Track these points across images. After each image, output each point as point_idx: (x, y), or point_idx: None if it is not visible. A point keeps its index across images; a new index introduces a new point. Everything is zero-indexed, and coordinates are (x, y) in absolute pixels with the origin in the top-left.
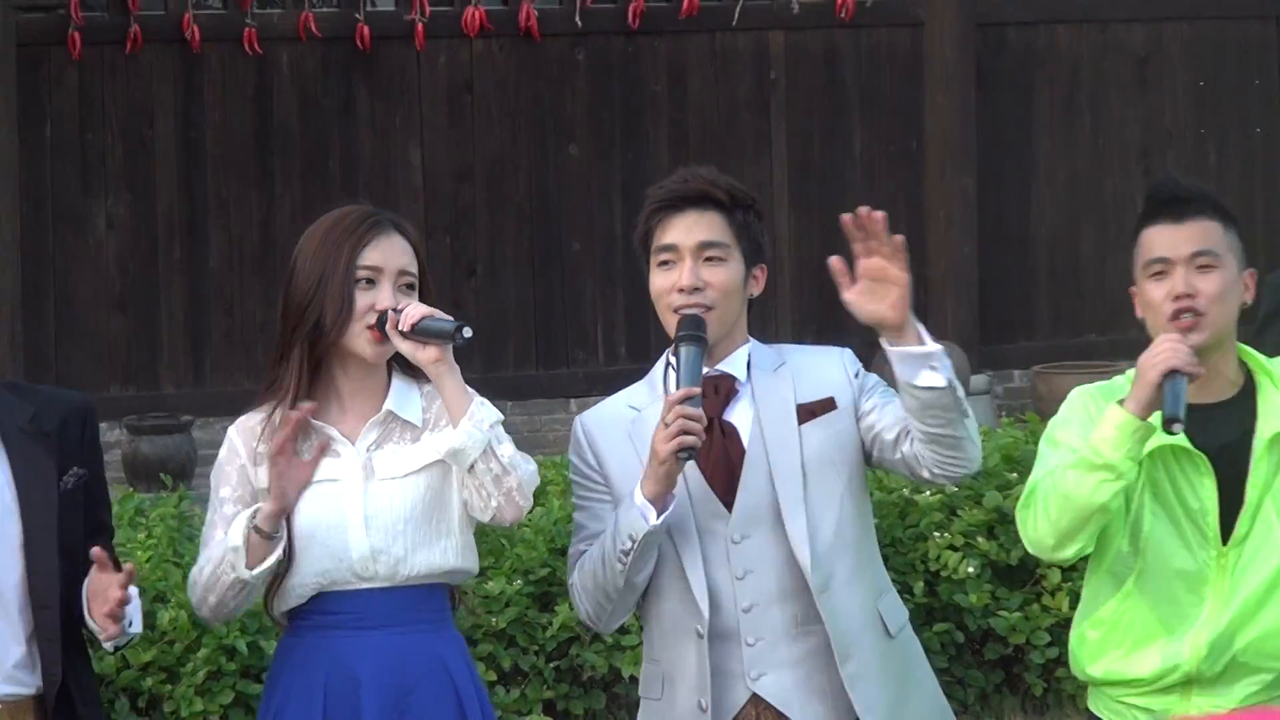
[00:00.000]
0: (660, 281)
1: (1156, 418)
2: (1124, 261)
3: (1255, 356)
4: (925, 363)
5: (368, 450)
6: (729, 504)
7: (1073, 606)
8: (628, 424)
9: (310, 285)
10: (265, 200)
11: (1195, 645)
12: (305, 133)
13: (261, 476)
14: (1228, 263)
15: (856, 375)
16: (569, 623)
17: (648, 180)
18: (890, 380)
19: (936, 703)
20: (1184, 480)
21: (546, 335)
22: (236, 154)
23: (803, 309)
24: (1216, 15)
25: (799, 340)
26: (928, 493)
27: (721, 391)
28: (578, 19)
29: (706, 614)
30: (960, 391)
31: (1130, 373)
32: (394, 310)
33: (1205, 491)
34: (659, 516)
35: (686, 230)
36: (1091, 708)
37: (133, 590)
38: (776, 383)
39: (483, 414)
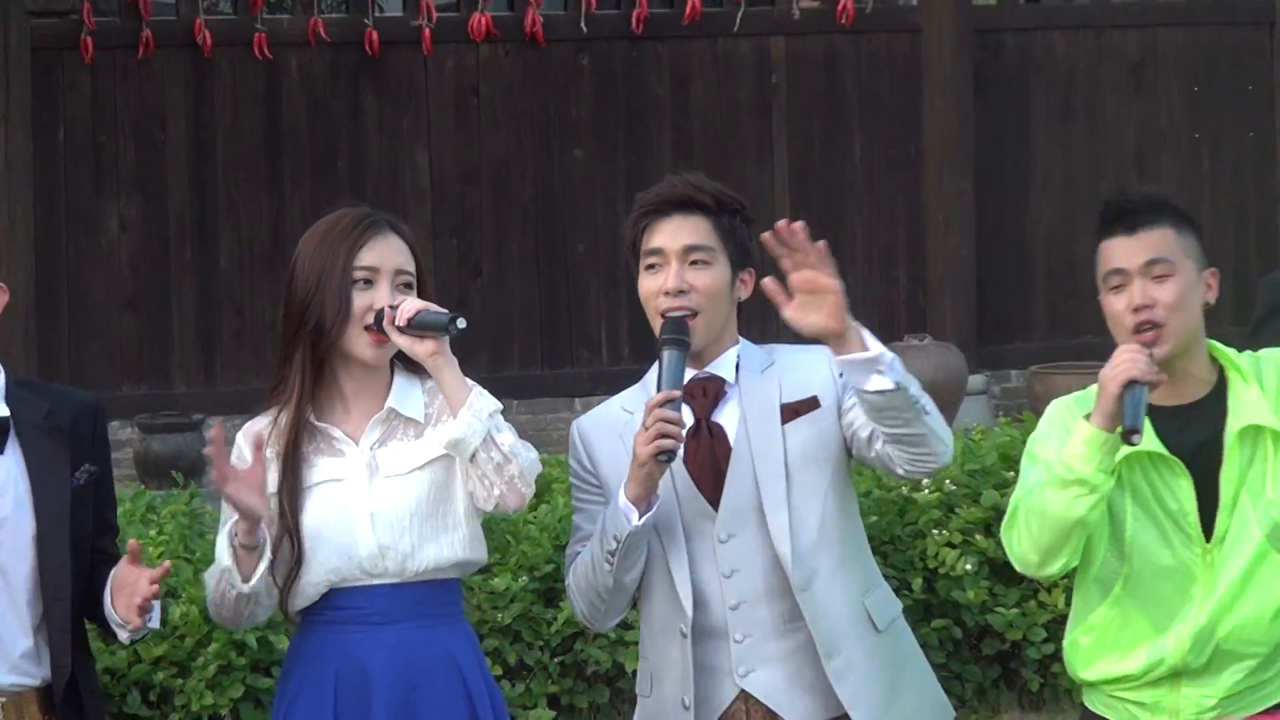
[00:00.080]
0: (648, 284)
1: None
2: None
3: (1225, 353)
4: (872, 367)
5: (371, 448)
6: (715, 503)
7: (1069, 603)
8: (621, 427)
9: (309, 287)
10: (275, 202)
11: (1179, 639)
12: (314, 136)
13: (269, 480)
14: (1183, 268)
15: (841, 374)
16: (573, 618)
17: (651, 183)
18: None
19: (932, 696)
20: (1162, 484)
21: (551, 335)
22: (247, 156)
23: None
24: (1210, 21)
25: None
26: (926, 491)
27: (710, 393)
28: (582, 24)
29: (690, 613)
30: (914, 389)
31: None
32: (390, 307)
33: (1183, 493)
34: (640, 518)
35: (672, 234)
36: (1086, 703)
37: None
38: (763, 383)
39: (481, 404)
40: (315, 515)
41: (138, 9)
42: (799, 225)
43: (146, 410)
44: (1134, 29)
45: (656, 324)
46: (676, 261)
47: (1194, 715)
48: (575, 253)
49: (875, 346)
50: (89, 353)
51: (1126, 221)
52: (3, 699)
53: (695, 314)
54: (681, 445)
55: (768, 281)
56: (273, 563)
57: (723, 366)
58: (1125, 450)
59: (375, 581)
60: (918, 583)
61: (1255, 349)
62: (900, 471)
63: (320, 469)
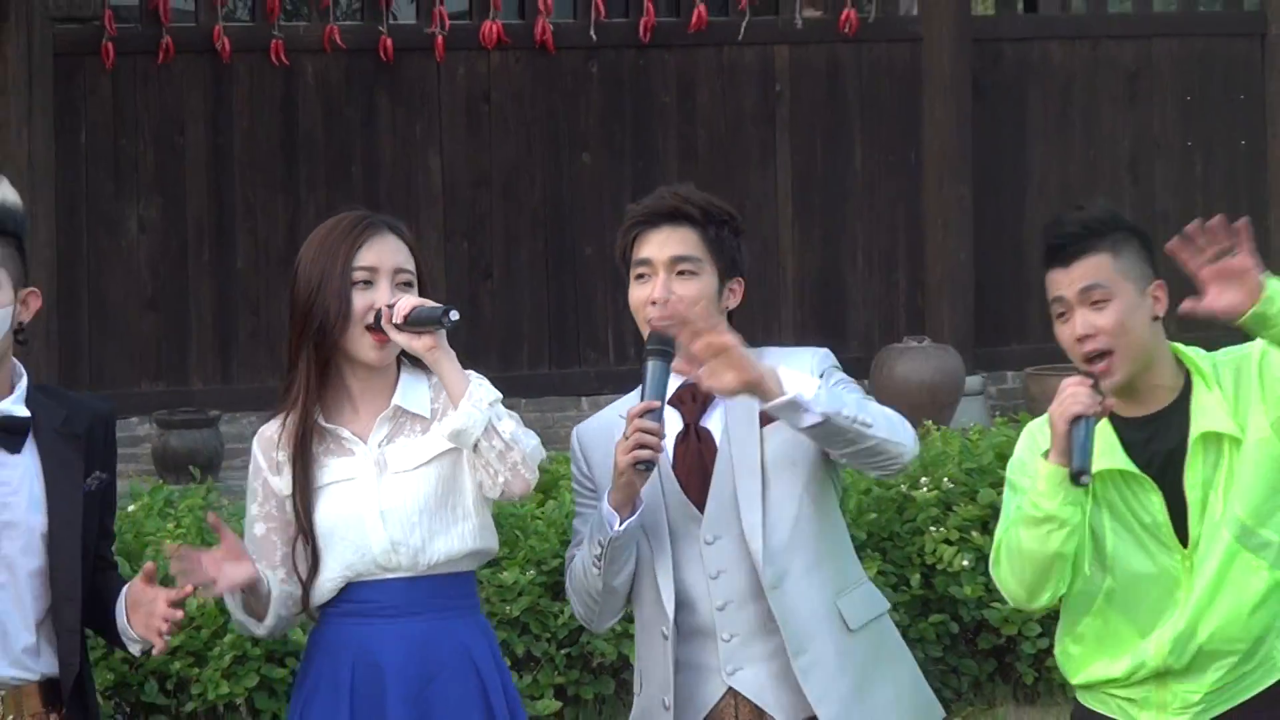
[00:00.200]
0: (636, 294)
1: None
2: None
3: (1190, 358)
4: (795, 409)
5: (379, 446)
6: (702, 506)
7: (1061, 599)
8: (616, 433)
9: (311, 289)
10: (291, 205)
11: (1159, 644)
12: (329, 140)
13: (281, 484)
14: (1122, 290)
15: (821, 376)
16: None
17: (657, 188)
18: (887, 383)
19: (912, 697)
20: (1134, 499)
21: (559, 335)
22: (263, 160)
23: (804, 312)
24: (1203, 32)
25: (802, 345)
26: (925, 489)
27: (699, 398)
28: (591, 33)
29: (670, 615)
30: (847, 411)
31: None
32: (387, 306)
33: (1155, 507)
34: (622, 524)
35: (659, 245)
36: (1078, 698)
37: None
38: None
39: (481, 393)
40: (328, 514)
41: (158, 16)
42: (674, 300)
43: (165, 407)
44: (1129, 39)
45: (646, 332)
46: (664, 272)
47: (1180, 709)
48: (583, 255)
49: (793, 387)
50: (109, 350)
51: (1060, 254)
52: (3, 691)
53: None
54: (660, 455)
55: (678, 364)
56: (293, 564)
57: None
58: (1099, 465)
59: (389, 575)
60: (916, 578)
61: None
62: (872, 474)
63: (331, 469)
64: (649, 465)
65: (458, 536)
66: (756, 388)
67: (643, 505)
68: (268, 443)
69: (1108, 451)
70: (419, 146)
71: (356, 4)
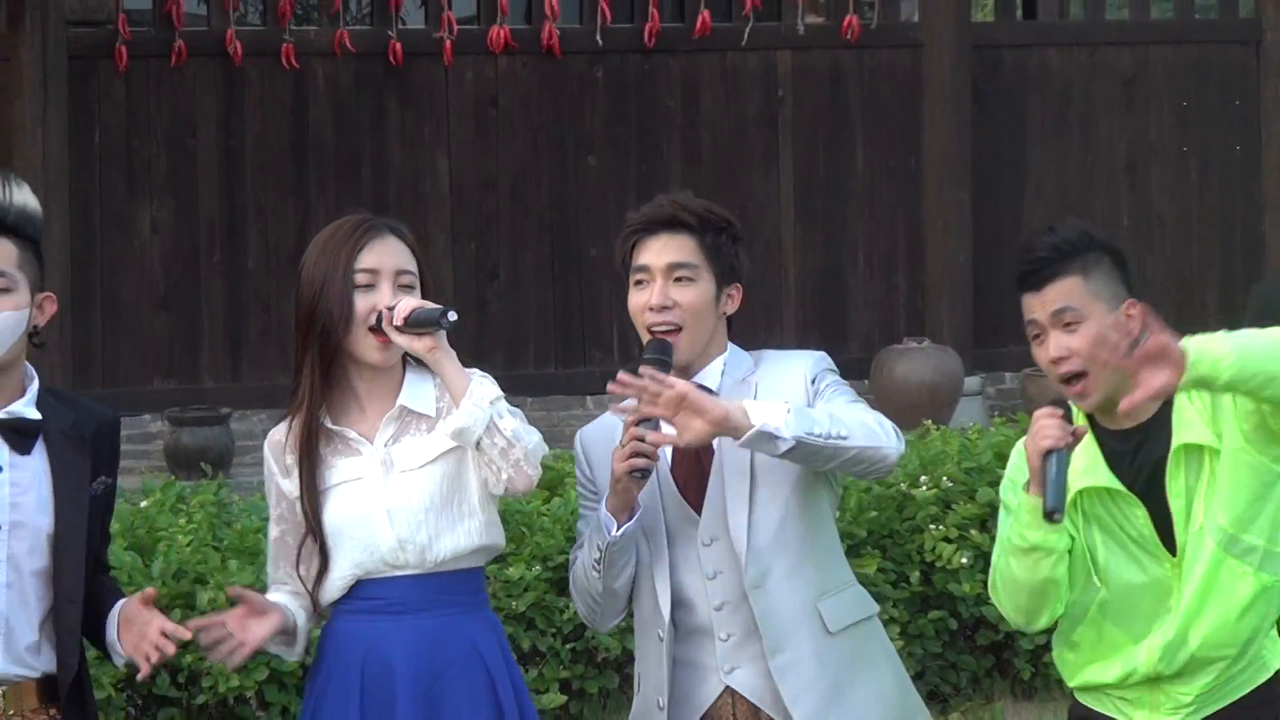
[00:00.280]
0: (635, 300)
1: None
2: None
3: None
4: (766, 440)
5: (385, 445)
6: (699, 509)
7: None
8: (618, 437)
9: (314, 292)
10: (301, 206)
11: (1149, 651)
12: (339, 143)
13: (290, 486)
14: (1093, 311)
15: (814, 381)
16: None
17: (663, 190)
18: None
19: (892, 701)
20: (1120, 514)
21: (565, 335)
22: (274, 163)
23: (806, 315)
24: (1199, 40)
25: (803, 345)
26: (924, 488)
27: None
28: (597, 38)
29: (666, 617)
30: (820, 429)
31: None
32: (387, 309)
33: (1140, 521)
34: (619, 529)
35: (657, 252)
36: (1076, 695)
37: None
38: (741, 390)
39: (482, 392)
40: (336, 514)
41: (171, 20)
42: (621, 377)
43: (176, 404)
44: (1126, 46)
45: (645, 336)
46: (661, 278)
47: (1172, 709)
48: (588, 257)
49: (759, 418)
50: (122, 349)
51: (1031, 278)
52: (4, 686)
53: (679, 329)
54: (654, 464)
55: (653, 436)
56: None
57: (708, 376)
58: (1084, 482)
59: (398, 573)
60: (915, 575)
61: None
62: (865, 478)
63: (339, 470)
64: (645, 474)
65: (464, 533)
66: (725, 425)
67: (641, 510)
68: (276, 446)
69: (1091, 468)
70: (427, 149)
71: (366, 9)
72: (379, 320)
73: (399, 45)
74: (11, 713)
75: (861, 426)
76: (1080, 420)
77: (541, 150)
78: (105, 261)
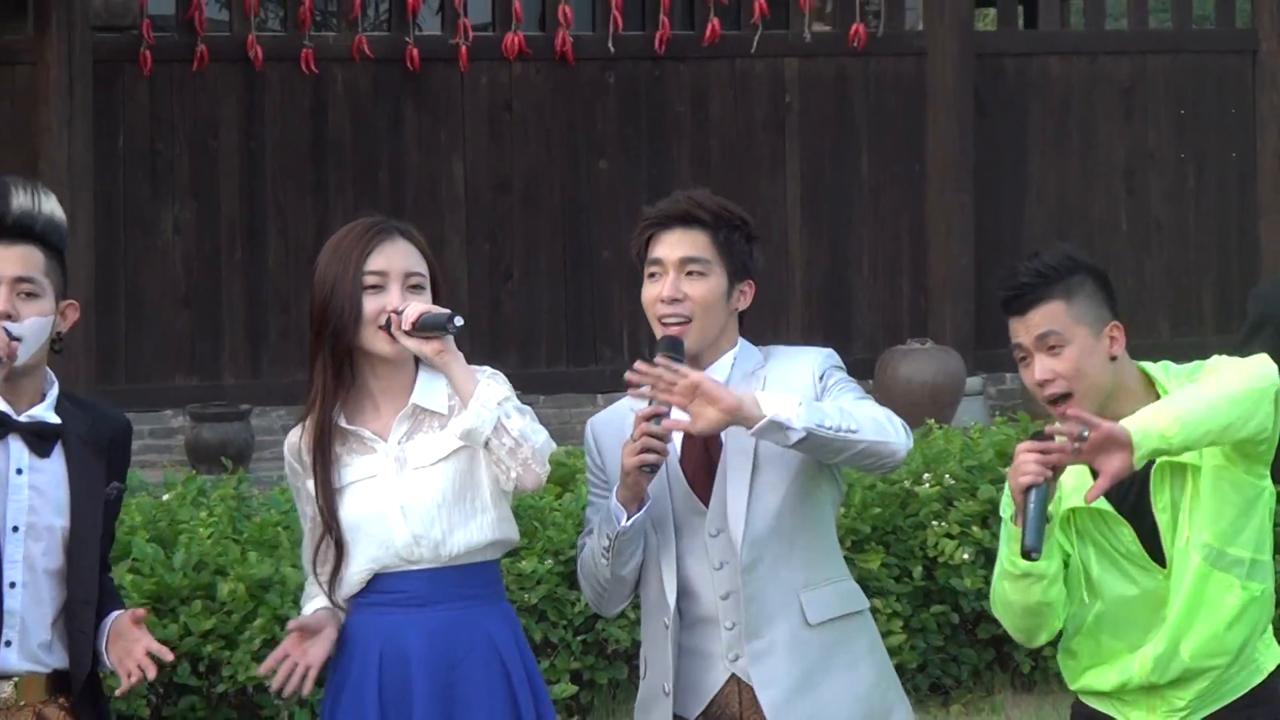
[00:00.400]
0: (648, 292)
1: (1055, 504)
2: (1111, 272)
3: (1161, 384)
4: (778, 429)
5: (399, 443)
6: (706, 500)
7: None
8: (628, 428)
9: (325, 294)
10: (320, 207)
11: (1143, 662)
12: (357, 146)
13: (309, 485)
14: (1076, 335)
15: (822, 377)
16: None
17: (671, 193)
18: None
19: (867, 698)
20: (1109, 531)
21: (577, 335)
22: (294, 165)
23: (812, 315)
24: (1197, 49)
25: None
26: (927, 485)
27: None
28: (609, 45)
29: (672, 606)
30: (831, 421)
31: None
32: (395, 313)
33: (1125, 537)
34: (629, 519)
35: (671, 246)
36: (1078, 694)
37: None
38: (751, 384)
39: (489, 393)
40: (352, 511)
41: (193, 25)
42: (639, 366)
43: (198, 400)
44: (1125, 55)
45: (657, 328)
46: (674, 272)
47: (1168, 712)
48: (600, 258)
49: (771, 409)
50: (145, 346)
51: (1014, 304)
52: (16, 679)
53: (689, 320)
54: (664, 459)
55: (668, 423)
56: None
57: (718, 370)
58: (1072, 501)
59: (413, 567)
60: (918, 571)
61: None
62: (873, 473)
63: (354, 468)
64: (654, 467)
65: (476, 528)
66: (737, 414)
67: (650, 501)
68: (294, 448)
69: (1080, 489)
70: (443, 152)
71: (384, 15)
72: (389, 322)
73: (416, 51)
74: (22, 703)
75: (871, 421)
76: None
77: (554, 154)
78: (129, 261)
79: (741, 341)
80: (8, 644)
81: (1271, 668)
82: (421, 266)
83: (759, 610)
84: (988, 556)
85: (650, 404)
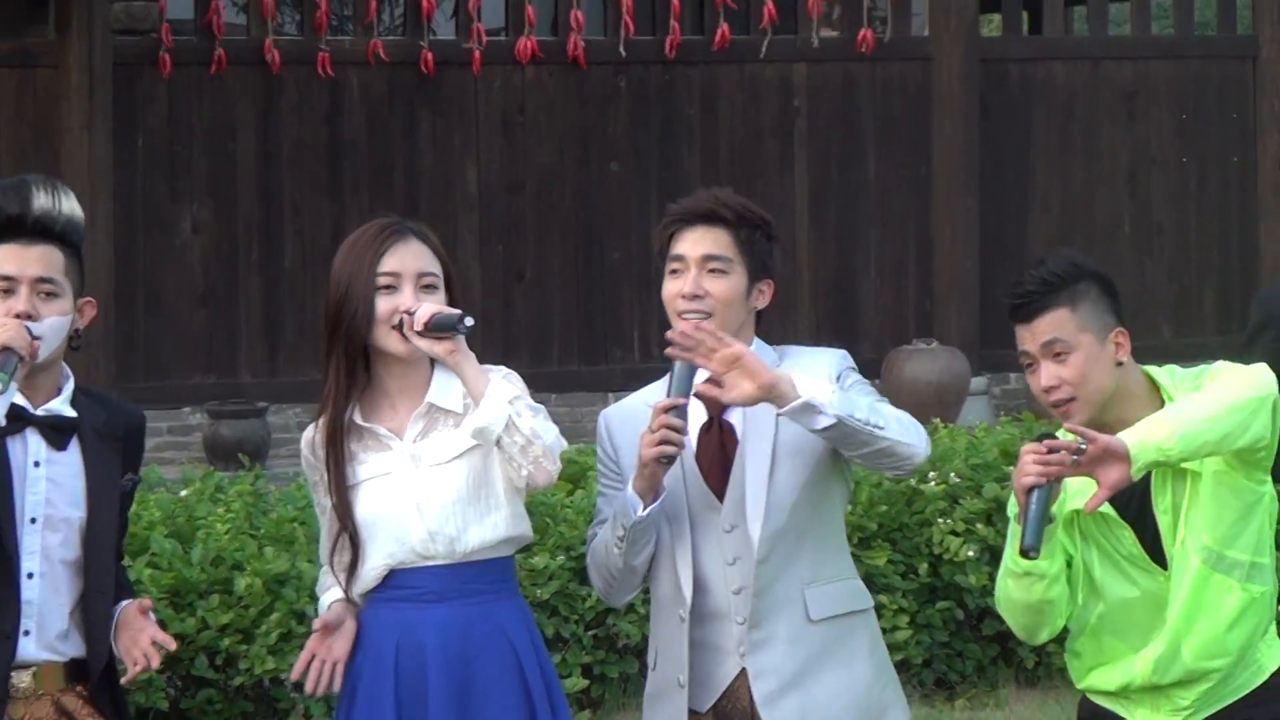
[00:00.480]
0: (669, 288)
1: (1059, 505)
2: (1113, 274)
3: (1165, 388)
4: (809, 411)
5: (415, 441)
6: (721, 496)
7: None
8: (642, 421)
9: (340, 294)
10: (336, 208)
11: (1144, 663)
12: (373, 148)
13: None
14: (1082, 342)
15: (839, 378)
16: None
17: (681, 196)
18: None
19: (862, 696)
20: (1110, 533)
21: (588, 335)
22: (310, 166)
23: (820, 316)
24: (1198, 54)
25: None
26: (933, 483)
27: None
28: (620, 49)
29: (689, 600)
30: (860, 415)
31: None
32: (407, 314)
33: (1126, 540)
34: (645, 510)
35: (694, 243)
36: (1085, 691)
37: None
38: None
39: (500, 392)
40: (369, 508)
41: (212, 29)
42: (686, 326)
43: (215, 398)
44: (1128, 60)
45: (676, 323)
46: (695, 268)
47: (1172, 711)
48: (610, 259)
49: (807, 391)
50: (163, 344)
51: (1020, 312)
52: (34, 668)
53: (709, 316)
54: (681, 450)
55: (702, 388)
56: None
57: None
58: (1075, 503)
59: (429, 563)
60: (924, 567)
61: (1248, 363)
62: (887, 475)
63: (370, 465)
64: (671, 459)
65: (491, 525)
66: (772, 392)
67: (665, 493)
68: (310, 444)
69: (1083, 490)
70: (457, 155)
71: (399, 20)
72: (401, 323)
73: (430, 55)
74: (41, 692)
75: (897, 422)
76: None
77: (566, 156)
78: (148, 260)
79: (757, 340)
80: (26, 633)
81: (1274, 667)
82: (435, 266)
83: (764, 603)
84: (992, 553)
85: (669, 395)
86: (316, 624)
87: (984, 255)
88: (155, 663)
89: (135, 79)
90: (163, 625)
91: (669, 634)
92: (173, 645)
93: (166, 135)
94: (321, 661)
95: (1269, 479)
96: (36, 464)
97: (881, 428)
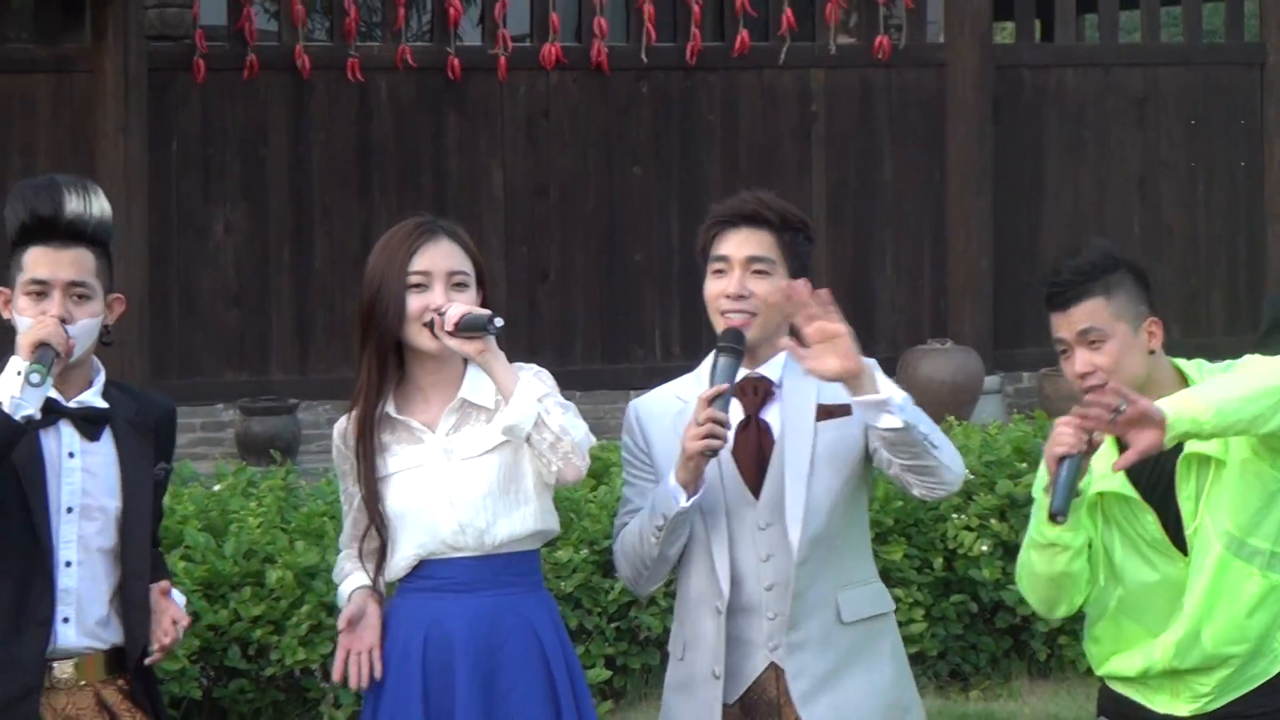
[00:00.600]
0: (712, 287)
1: (1085, 483)
2: None
3: (1195, 381)
4: (883, 408)
5: (447, 435)
6: (757, 493)
7: None
8: (674, 414)
9: (373, 292)
10: (365, 210)
11: (1164, 648)
12: (401, 151)
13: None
14: (1117, 331)
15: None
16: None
17: (702, 199)
18: (912, 382)
19: (885, 695)
20: (1133, 517)
21: (610, 334)
22: (340, 169)
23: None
24: (1207, 62)
25: None
26: None
27: (760, 392)
28: (643, 56)
29: (727, 593)
30: (924, 427)
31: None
32: (438, 314)
33: (1149, 524)
34: (688, 500)
35: (738, 244)
36: (1104, 679)
37: (179, 600)
38: (804, 384)
39: (529, 390)
40: (400, 499)
41: (244, 35)
42: (800, 283)
43: (247, 395)
44: (1138, 67)
45: (717, 322)
46: (739, 269)
47: (1191, 698)
48: (632, 260)
49: (887, 389)
50: (196, 343)
51: (1057, 300)
52: (76, 659)
53: (753, 315)
54: (726, 443)
55: (785, 341)
56: (359, 548)
57: (772, 368)
58: (1101, 485)
59: (458, 554)
60: (938, 562)
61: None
62: (915, 493)
63: (401, 457)
64: (715, 452)
65: (520, 519)
66: (853, 379)
67: (705, 484)
68: (342, 433)
69: (1109, 474)
70: (483, 158)
71: (426, 27)
72: (433, 321)
73: (457, 61)
74: (83, 683)
75: (948, 445)
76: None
77: (590, 160)
78: (181, 261)
79: None
80: (65, 620)
81: None
82: (466, 265)
83: (801, 605)
84: (1006, 548)
85: (712, 384)
86: (341, 622)
87: (997, 256)
88: (169, 640)
89: (169, 84)
90: (196, 617)
91: (702, 626)
92: (186, 620)
93: (200, 139)
94: (357, 655)
95: None
96: (71, 455)
97: (937, 446)
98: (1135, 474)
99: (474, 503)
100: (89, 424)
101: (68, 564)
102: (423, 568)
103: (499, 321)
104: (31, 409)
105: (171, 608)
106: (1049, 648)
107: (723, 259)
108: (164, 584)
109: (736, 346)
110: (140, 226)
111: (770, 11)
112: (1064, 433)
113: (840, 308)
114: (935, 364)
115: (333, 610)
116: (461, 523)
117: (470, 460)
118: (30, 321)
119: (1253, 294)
